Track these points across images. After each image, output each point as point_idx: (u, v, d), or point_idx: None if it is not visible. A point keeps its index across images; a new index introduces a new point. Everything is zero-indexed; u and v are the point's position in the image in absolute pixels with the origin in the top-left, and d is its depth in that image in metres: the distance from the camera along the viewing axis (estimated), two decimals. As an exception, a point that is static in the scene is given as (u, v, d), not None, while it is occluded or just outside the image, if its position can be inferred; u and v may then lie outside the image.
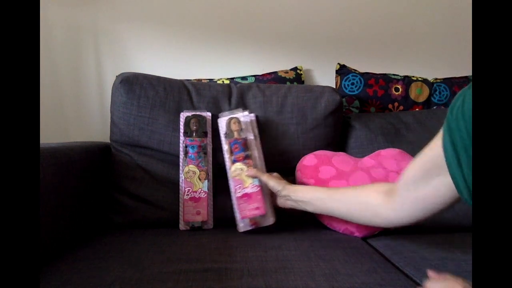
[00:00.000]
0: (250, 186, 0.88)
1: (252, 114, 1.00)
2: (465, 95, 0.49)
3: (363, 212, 0.72)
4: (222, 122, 0.96)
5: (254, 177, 0.87)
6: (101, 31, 1.27)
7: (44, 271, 0.63)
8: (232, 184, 0.90)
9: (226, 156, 0.93)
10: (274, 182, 0.85)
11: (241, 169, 0.89)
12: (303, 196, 0.81)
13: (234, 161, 0.90)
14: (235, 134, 0.93)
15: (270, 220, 0.88)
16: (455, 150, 0.49)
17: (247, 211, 0.86)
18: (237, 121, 0.94)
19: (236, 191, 0.89)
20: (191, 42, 1.31)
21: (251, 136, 0.94)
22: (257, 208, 0.86)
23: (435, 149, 0.55)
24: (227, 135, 0.94)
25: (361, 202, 0.72)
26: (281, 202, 0.86)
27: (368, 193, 0.72)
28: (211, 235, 0.85)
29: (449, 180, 0.52)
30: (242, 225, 0.88)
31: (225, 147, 0.93)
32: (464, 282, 0.47)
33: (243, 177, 0.88)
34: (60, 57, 1.25)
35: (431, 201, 0.59)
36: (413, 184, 0.60)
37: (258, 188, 0.87)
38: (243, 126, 0.94)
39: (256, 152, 0.93)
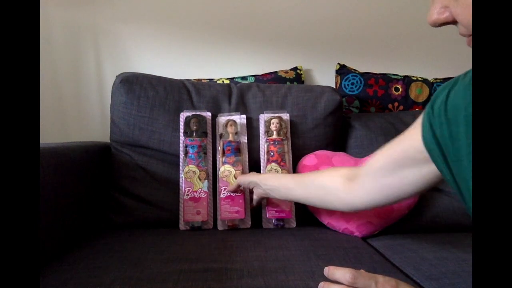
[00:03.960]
0: None
1: (244, 116, 1.01)
2: (450, 90, 0.47)
3: (326, 197, 0.72)
4: (221, 121, 0.99)
5: (236, 187, 0.90)
6: (101, 31, 1.27)
7: (44, 271, 0.63)
8: (219, 184, 0.93)
9: (218, 156, 0.97)
10: (243, 176, 0.88)
11: (230, 172, 0.93)
12: (272, 184, 0.81)
13: (224, 163, 0.94)
14: (230, 136, 0.97)
15: (247, 224, 0.92)
16: (439, 146, 0.48)
17: (227, 213, 0.90)
18: (234, 123, 0.97)
19: (221, 192, 0.92)
20: (191, 42, 1.31)
21: (244, 139, 0.99)
22: (237, 212, 0.90)
23: (406, 141, 0.55)
24: (222, 135, 0.98)
25: (323, 187, 0.72)
26: (256, 192, 0.88)
27: (328, 178, 0.72)
28: (211, 235, 0.85)
29: (418, 172, 0.55)
30: (220, 224, 0.91)
31: (219, 147, 0.97)
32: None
33: (231, 180, 0.92)
34: (60, 57, 1.25)
35: (397, 190, 0.59)
36: (380, 172, 0.60)
37: (241, 193, 0.92)
38: (239, 129, 0.98)
39: (247, 156, 0.98)
